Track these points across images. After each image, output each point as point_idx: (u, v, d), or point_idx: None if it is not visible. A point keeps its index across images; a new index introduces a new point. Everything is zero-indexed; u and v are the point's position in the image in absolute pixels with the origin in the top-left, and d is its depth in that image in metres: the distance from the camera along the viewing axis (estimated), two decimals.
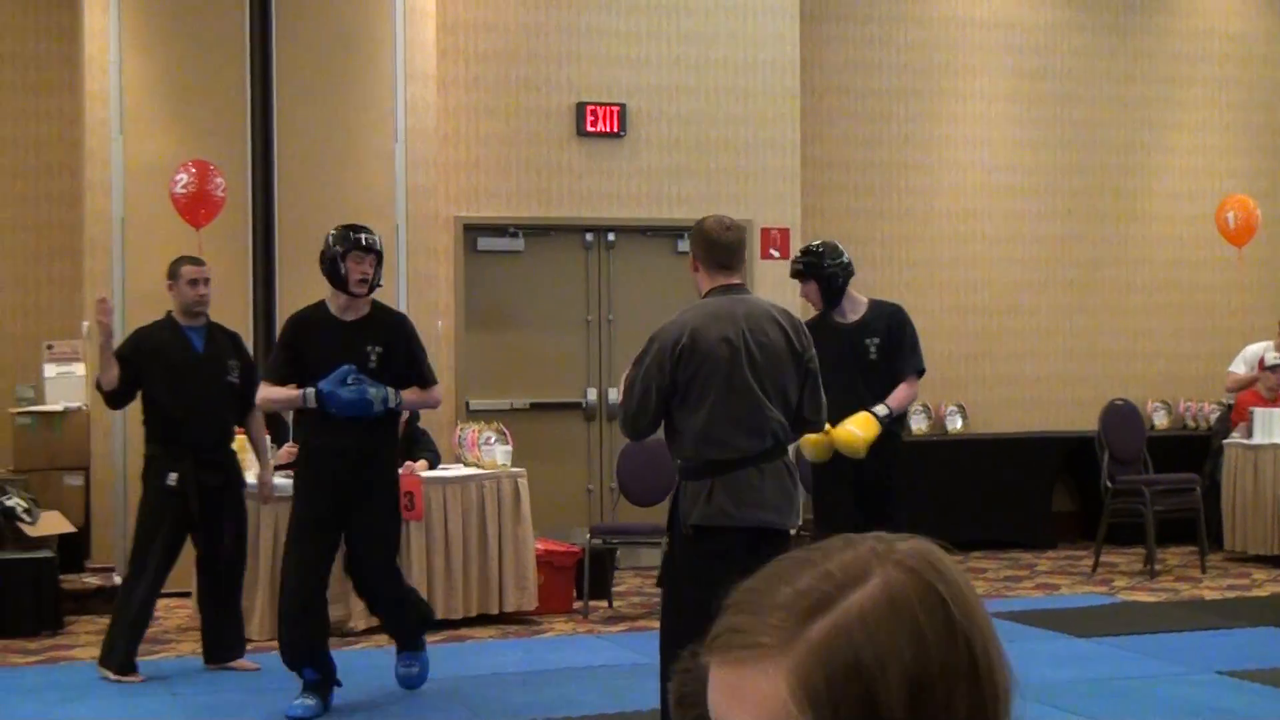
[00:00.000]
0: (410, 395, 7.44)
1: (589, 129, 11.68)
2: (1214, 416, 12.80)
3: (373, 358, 7.17)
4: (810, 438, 7.08)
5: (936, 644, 1.14)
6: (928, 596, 1.16)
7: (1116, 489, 11.39)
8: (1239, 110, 13.95)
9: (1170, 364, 13.56)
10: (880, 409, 7.49)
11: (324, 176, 10.92)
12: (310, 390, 7.05)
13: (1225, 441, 11.91)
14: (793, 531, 5.98)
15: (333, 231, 7.33)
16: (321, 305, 7.37)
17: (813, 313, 7.91)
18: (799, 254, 7.97)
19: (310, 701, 7.24)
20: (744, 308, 5.92)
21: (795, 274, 7.95)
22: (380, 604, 7.72)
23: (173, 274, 8.13)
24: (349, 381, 7.03)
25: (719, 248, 5.98)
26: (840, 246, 7.85)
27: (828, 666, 1.13)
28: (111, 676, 7.89)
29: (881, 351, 7.71)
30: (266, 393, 7.35)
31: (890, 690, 1.12)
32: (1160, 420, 13.31)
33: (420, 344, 7.60)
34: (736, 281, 5.99)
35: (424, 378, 7.50)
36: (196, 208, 9.77)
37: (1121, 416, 11.94)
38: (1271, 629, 9.07)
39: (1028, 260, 13.37)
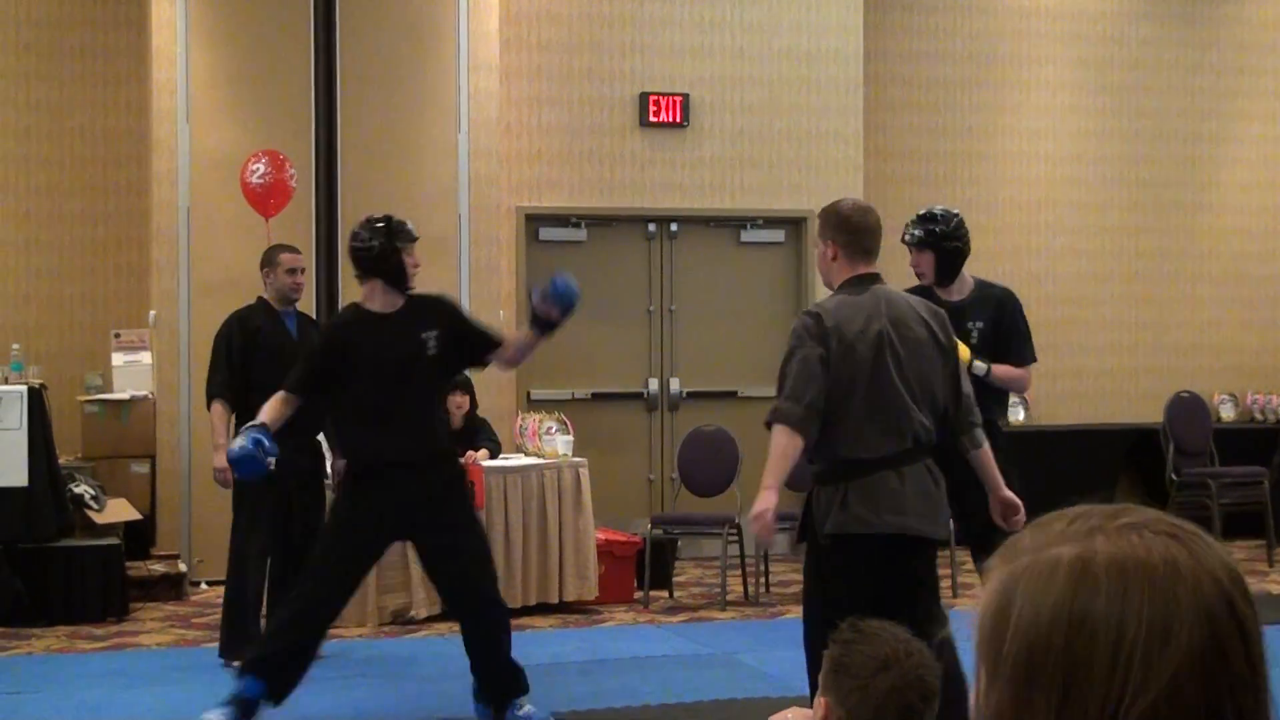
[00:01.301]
0: (514, 343, 6.91)
1: (652, 119, 11.67)
2: None
3: (430, 344, 6.68)
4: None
5: (1080, 617, 1.18)
6: (1089, 570, 1.20)
7: (1182, 482, 11.30)
8: None
9: (1238, 356, 13.42)
10: (979, 363, 6.74)
11: (387, 167, 10.98)
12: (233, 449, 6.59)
13: None
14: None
15: (375, 225, 6.75)
16: (353, 306, 6.97)
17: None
18: (917, 220, 7.08)
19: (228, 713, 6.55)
20: (887, 301, 5.49)
21: (912, 241, 7.06)
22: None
23: (270, 261, 8.21)
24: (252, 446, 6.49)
25: (863, 232, 5.53)
26: (963, 218, 7.07)
27: (993, 604, 1.23)
28: None
29: (984, 337, 6.90)
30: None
31: (1011, 646, 1.20)
32: (1227, 413, 13.19)
33: (467, 312, 7.23)
34: (875, 271, 5.56)
35: (493, 335, 6.97)
36: (269, 197, 9.85)
37: (1187, 409, 11.85)
38: None
39: (1093, 252, 13.27)
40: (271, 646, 6.66)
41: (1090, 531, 1.22)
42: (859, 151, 12.10)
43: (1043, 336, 12.94)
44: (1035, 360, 7.14)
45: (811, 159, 11.99)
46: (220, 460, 7.85)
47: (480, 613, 6.76)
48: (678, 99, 11.71)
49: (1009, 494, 5.61)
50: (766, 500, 5.30)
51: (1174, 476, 11.33)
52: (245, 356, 8.03)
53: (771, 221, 12.02)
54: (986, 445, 5.64)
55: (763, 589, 10.24)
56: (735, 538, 10.02)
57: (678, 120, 11.71)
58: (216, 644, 8.17)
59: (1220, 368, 13.06)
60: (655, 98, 11.67)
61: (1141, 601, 1.17)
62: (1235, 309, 13.42)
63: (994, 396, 6.78)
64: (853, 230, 5.53)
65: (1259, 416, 13.24)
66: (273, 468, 6.64)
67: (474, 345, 6.82)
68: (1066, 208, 13.21)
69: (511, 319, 11.44)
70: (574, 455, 9.84)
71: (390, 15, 11.06)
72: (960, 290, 6.93)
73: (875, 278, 5.54)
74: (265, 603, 8.26)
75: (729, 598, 9.97)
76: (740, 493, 10.29)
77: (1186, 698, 1.15)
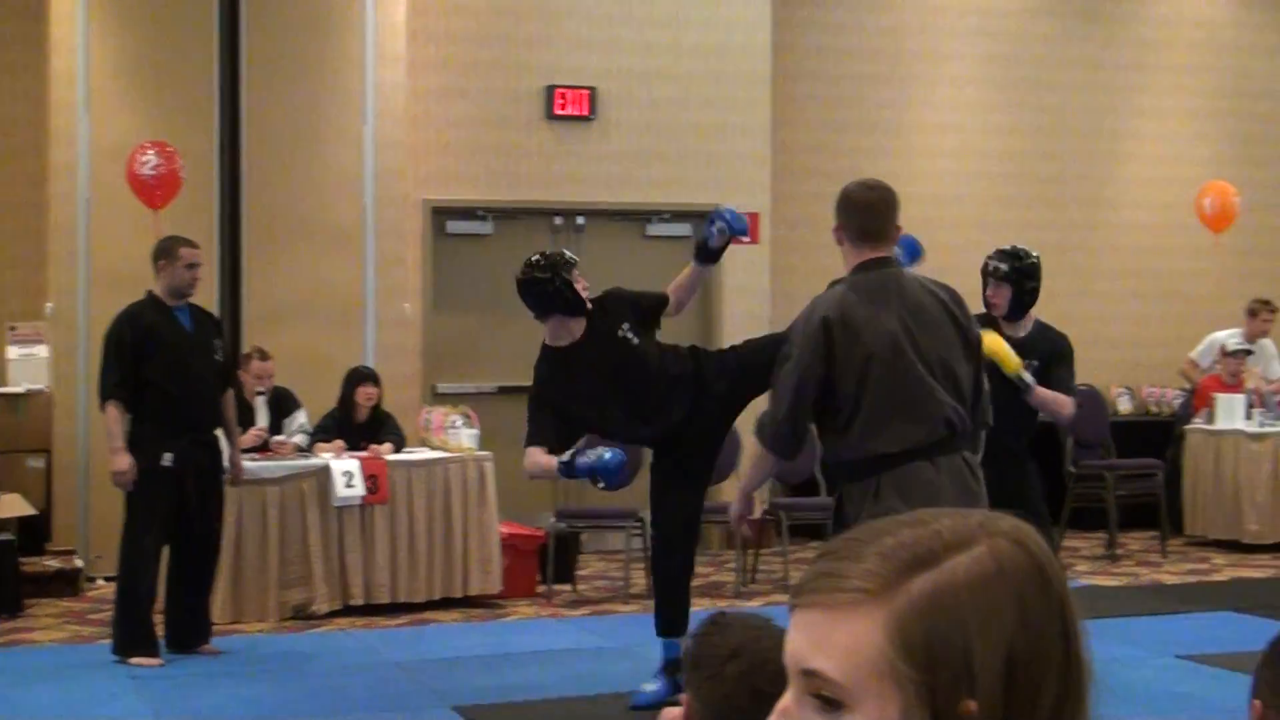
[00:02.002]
0: (682, 286, 7.13)
1: (559, 112, 11.66)
2: (1177, 402, 12.86)
3: (629, 334, 6.87)
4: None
5: (1038, 621, 1.15)
6: (1035, 573, 1.16)
7: (1079, 474, 11.45)
8: (1207, 97, 13.99)
9: (1135, 350, 13.60)
10: (1028, 376, 6.70)
11: (292, 158, 10.90)
12: (566, 460, 6.58)
13: (1187, 427, 11.97)
14: None
15: (546, 262, 6.93)
16: (548, 351, 6.96)
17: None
18: (1002, 254, 7.18)
19: None
20: (898, 285, 5.22)
21: (995, 274, 7.16)
22: None
23: (169, 254, 8.07)
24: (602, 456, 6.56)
25: (864, 212, 5.24)
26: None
27: (929, 621, 1.12)
28: (147, 662, 7.87)
29: (1036, 375, 6.91)
30: (536, 461, 6.70)
31: (989, 657, 1.12)
32: (1124, 406, 13.36)
33: (630, 292, 7.40)
34: (886, 255, 5.27)
35: (660, 295, 7.23)
36: (157, 189, 9.75)
37: (1086, 402, 11.98)
38: (1230, 613, 9.13)
39: (996, 245, 13.35)
40: (672, 607, 6.93)
41: (982, 534, 1.17)
42: (766, 146, 12.15)
43: None
44: (1075, 396, 7.26)
45: (718, 153, 12.01)
46: (119, 463, 7.78)
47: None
48: (584, 92, 11.70)
49: None
50: (739, 508, 5.49)
51: (1072, 469, 11.47)
52: (138, 354, 7.92)
53: (678, 215, 12.04)
54: (980, 453, 5.41)
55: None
56: (639, 531, 10.03)
57: (584, 113, 11.70)
58: (111, 641, 8.07)
59: (1118, 361, 13.22)
60: (562, 91, 11.65)
61: (1061, 593, 1.17)
62: (1133, 303, 13.60)
63: (1016, 422, 6.71)
64: (854, 211, 5.27)
65: (1155, 409, 13.42)
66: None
67: (654, 311, 7.06)
68: (971, 202, 13.33)
69: (418, 312, 11.39)
70: (479, 449, 9.82)
71: (296, 5, 10.98)
72: (1023, 327, 7.13)
73: (885, 261, 5.26)
74: (169, 598, 8.19)
75: (632, 591, 9.99)
76: (644, 486, 10.30)
77: (1086, 687, 1.18)
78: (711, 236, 6.91)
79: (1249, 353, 12.16)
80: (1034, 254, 7.26)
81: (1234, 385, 11.99)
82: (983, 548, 1.15)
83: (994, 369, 6.24)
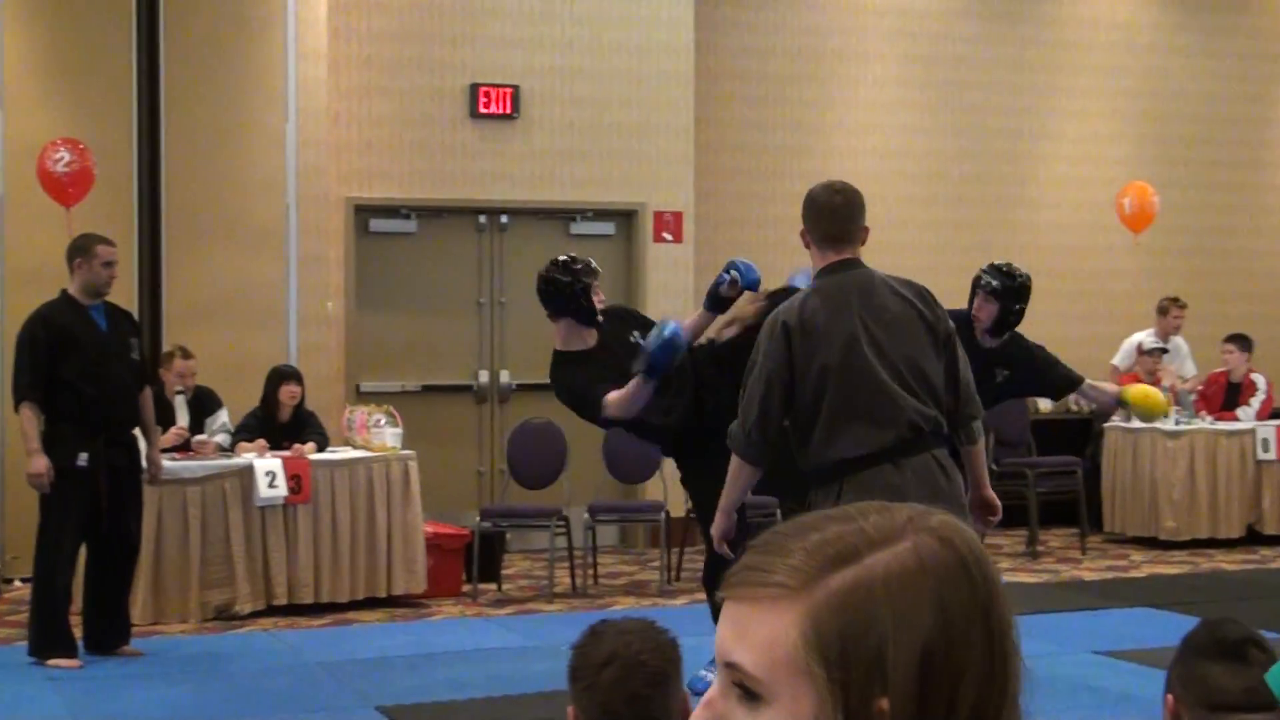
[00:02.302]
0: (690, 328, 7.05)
1: (482, 110, 11.63)
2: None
3: (637, 339, 6.95)
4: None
5: (958, 618, 1.13)
6: (957, 570, 1.15)
7: (1001, 471, 11.55)
8: (1125, 98, 14.16)
9: (1056, 349, 13.59)
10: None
11: (213, 156, 10.81)
12: (641, 367, 6.62)
13: (1105, 425, 12.11)
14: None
15: (568, 266, 7.04)
16: (564, 355, 7.06)
17: None
18: (996, 270, 7.24)
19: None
20: (860, 287, 5.14)
21: (986, 288, 7.25)
22: None
23: (85, 252, 7.97)
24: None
25: (826, 215, 5.20)
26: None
27: (844, 617, 1.12)
28: (65, 664, 7.78)
29: (1008, 381, 7.14)
30: (621, 395, 6.66)
31: (902, 655, 1.11)
32: (1044, 404, 13.48)
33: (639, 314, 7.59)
34: (850, 257, 5.20)
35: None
36: (69, 186, 9.63)
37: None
38: (1148, 609, 9.25)
39: (918, 246, 13.48)
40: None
41: (909, 530, 1.17)
42: (690, 145, 12.18)
43: None
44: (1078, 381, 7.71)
45: (642, 152, 12.03)
46: (36, 465, 7.69)
47: None
48: (508, 90, 11.67)
49: (991, 494, 5.55)
50: (719, 526, 5.41)
51: (994, 466, 11.56)
52: (52, 354, 7.82)
53: (602, 214, 12.05)
54: (981, 442, 5.46)
55: (590, 581, 10.27)
56: (563, 530, 10.04)
57: (508, 112, 11.68)
58: (28, 642, 7.97)
59: None
60: (485, 89, 11.63)
61: (988, 590, 1.16)
62: (1053, 302, 13.69)
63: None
64: (818, 214, 5.23)
65: (1074, 408, 13.52)
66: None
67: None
68: (893, 202, 13.41)
69: (341, 311, 11.33)
70: (403, 448, 9.78)
71: (216, 2, 10.88)
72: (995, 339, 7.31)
73: (851, 263, 5.21)
74: (87, 599, 8.10)
75: (557, 590, 9.99)
76: (569, 485, 10.32)
77: (1014, 688, 1.17)
78: (723, 283, 7.00)
79: (1164, 351, 12.31)
80: (1025, 275, 7.38)
81: (1150, 384, 12.13)
82: (906, 544, 1.15)
83: (981, 376, 6.01)
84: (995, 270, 7.35)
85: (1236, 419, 12.00)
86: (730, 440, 5.23)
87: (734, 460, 5.25)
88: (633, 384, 6.60)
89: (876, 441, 5.03)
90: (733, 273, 6.94)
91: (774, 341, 5.12)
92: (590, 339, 7.09)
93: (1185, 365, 12.56)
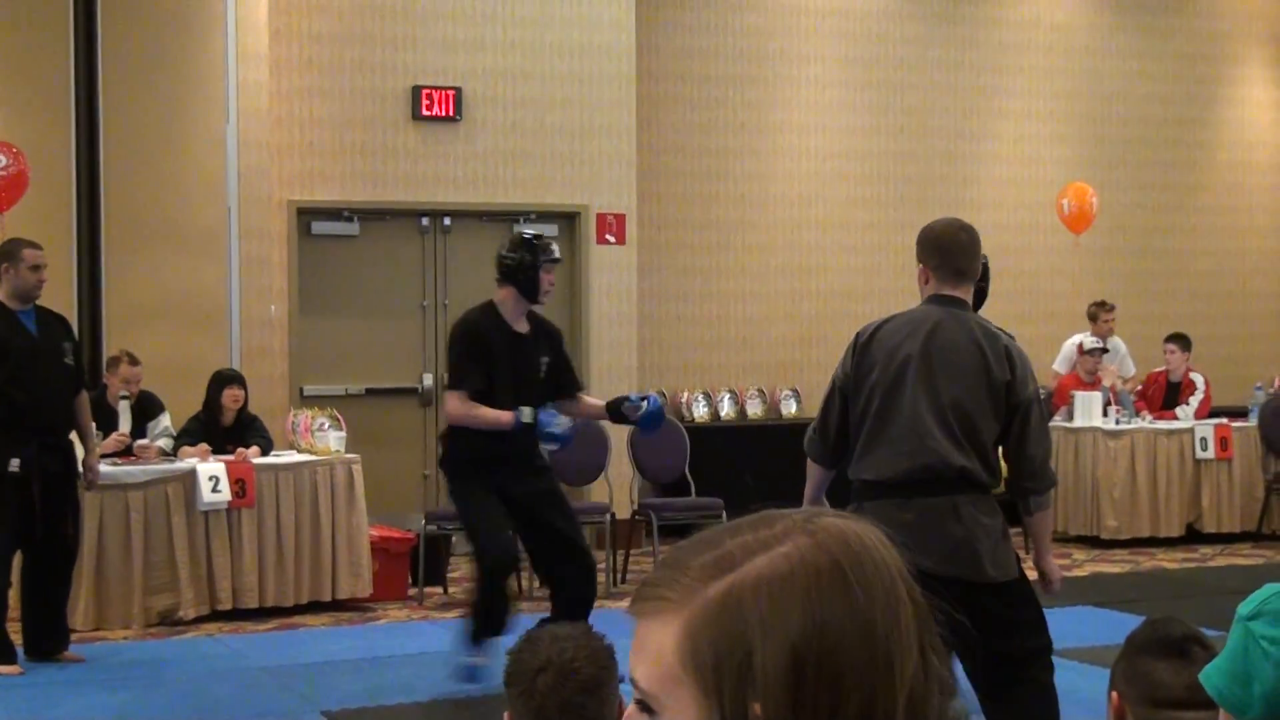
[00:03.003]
0: (590, 409, 7.49)
1: (424, 113, 11.60)
2: None
3: (542, 369, 7.22)
4: None
5: (831, 622, 1.11)
6: (831, 574, 1.13)
7: None
8: (1064, 99, 14.27)
9: None
10: None
11: (152, 158, 10.72)
12: (526, 410, 6.99)
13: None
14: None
15: (523, 239, 7.23)
16: (491, 311, 7.24)
17: None
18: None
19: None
20: (939, 320, 5.09)
21: None
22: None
23: (11, 257, 7.90)
24: (557, 421, 7.04)
25: (955, 252, 5.16)
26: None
27: (715, 626, 1.11)
28: (5, 671, 7.70)
29: None
30: (478, 412, 7.03)
31: (769, 659, 1.10)
32: None
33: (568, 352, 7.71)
34: (959, 295, 5.15)
35: (577, 383, 7.53)
36: (4, 191, 9.54)
37: None
38: (1090, 608, 9.32)
39: (861, 246, 13.56)
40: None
41: (796, 534, 1.16)
42: (632, 146, 12.19)
43: (813, 329, 13.23)
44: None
45: (585, 153, 12.04)
46: None
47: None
48: (450, 93, 11.65)
49: (1050, 564, 5.48)
50: None
51: None
52: None
53: (545, 215, 12.04)
54: (1042, 515, 5.41)
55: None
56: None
57: (450, 114, 11.66)
58: None
59: None
60: (428, 91, 11.60)
61: (869, 594, 1.14)
62: (995, 303, 13.72)
63: None
64: (944, 251, 5.18)
65: None
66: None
67: (562, 383, 7.37)
68: (835, 203, 13.48)
69: (284, 314, 11.28)
70: (347, 451, 9.75)
71: (156, 4, 10.80)
72: None
73: (952, 300, 5.15)
74: (24, 605, 8.04)
75: None
76: None
77: (917, 690, 1.15)
78: (631, 406, 7.27)
79: (1105, 350, 12.41)
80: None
81: (1091, 383, 12.25)
82: (783, 549, 1.14)
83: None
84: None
85: (1176, 418, 12.12)
86: (805, 442, 5.40)
87: (809, 462, 5.40)
88: (505, 418, 7.04)
89: (894, 471, 5.02)
90: (644, 407, 7.25)
91: (847, 350, 5.26)
92: (520, 322, 7.22)
93: (1125, 365, 12.67)
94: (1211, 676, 1.85)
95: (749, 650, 1.11)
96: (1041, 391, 13.07)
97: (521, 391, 7.10)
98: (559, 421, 7.05)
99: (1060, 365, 12.65)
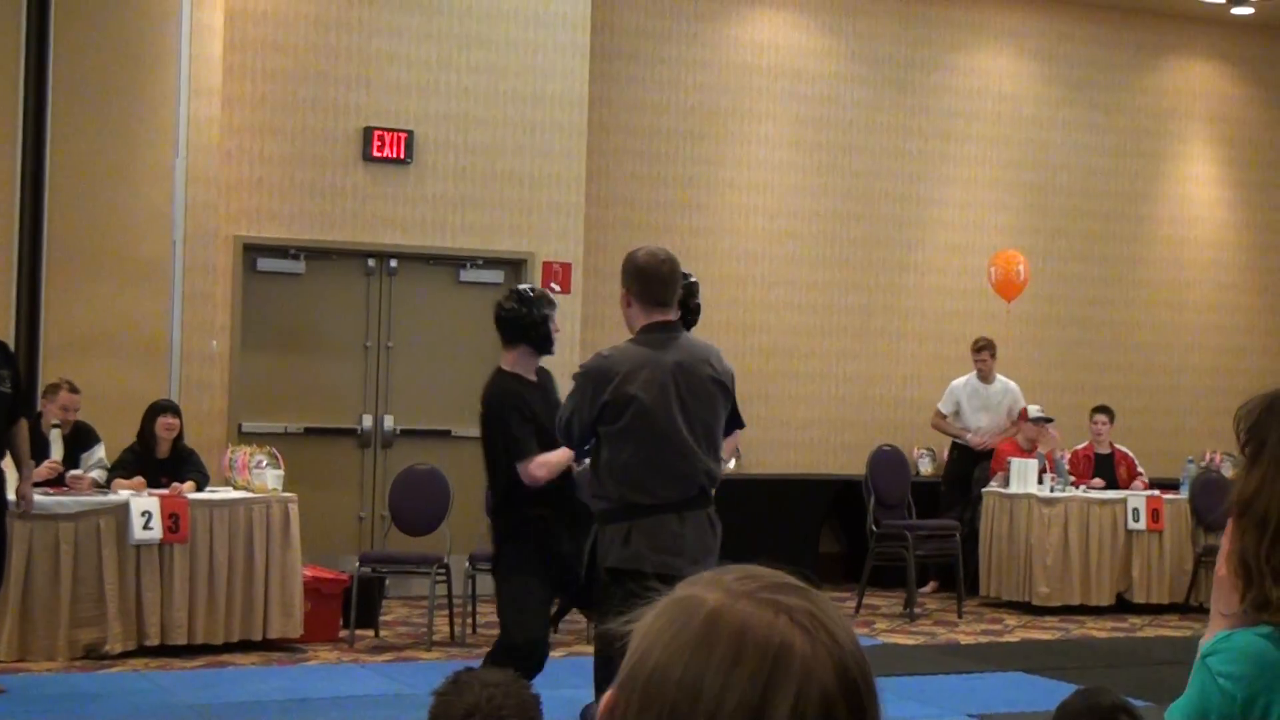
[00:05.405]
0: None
1: (375, 154, 11.61)
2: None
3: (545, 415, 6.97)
4: None
5: (664, 666, 1.22)
6: (671, 624, 1.25)
7: (881, 533, 11.67)
8: (1009, 168, 14.44)
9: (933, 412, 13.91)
10: None
11: (99, 187, 10.67)
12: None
13: (983, 490, 12.27)
14: None
15: (525, 294, 7.01)
16: (506, 375, 6.94)
17: None
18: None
19: None
20: (677, 348, 5.73)
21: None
22: None
23: None
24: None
25: (656, 282, 5.72)
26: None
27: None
28: None
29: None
30: (541, 462, 6.64)
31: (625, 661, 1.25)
32: (925, 467, 13.66)
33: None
34: (670, 319, 5.78)
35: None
36: None
37: (888, 462, 12.25)
38: (1021, 674, 9.37)
39: (804, 305, 13.64)
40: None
41: (738, 594, 1.24)
42: (581, 196, 12.24)
43: (754, 386, 13.26)
44: (743, 426, 7.34)
45: (533, 201, 12.07)
46: None
47: None
48: (402, 135, 11.67)
49: None
50: None
51: (874, 527, 11.70)
52: None
53: (491, 262, 12.06)
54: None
55: (469, 630, 10.23)
56: (444, 577, 9.98)
57: (401, 156, 11.68)
58: None
59: (920, 423, 13.51)
60: (379, 133, 11.62)
61: (745, 676, 1.19)
62: (936, 365, 13.92)
63: None
64: (646, 279, 5.72)
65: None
66: None
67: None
68: (782, 261, 13.56)
69: (226, 349, 11.23)
70: (284, 490, 9.69)
71: (108, 34, 10.76)
72: None
73: (671, 325, 5.76)
74: None
75: (435, 638, 9.94)
76: (449, 533, 10.28)
77: None
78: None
79: (1049, 420, 12.50)
80: (689, 274, 7.26)
81: (1029, 451, 12.34)
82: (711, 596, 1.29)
83: None
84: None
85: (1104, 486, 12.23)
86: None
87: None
88: (566, 455, 6.66)
89: (670, 496, 5.62)
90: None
91: (583, 389, 5.70)
92: (531, 371, 6.99)
93: (1018, 404, 12.72)
94: (1173, 715, 2.02)
95: (631, 663, 1.26)
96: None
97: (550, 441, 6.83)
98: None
99: (944, 405, 12.77)
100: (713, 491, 5.77)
